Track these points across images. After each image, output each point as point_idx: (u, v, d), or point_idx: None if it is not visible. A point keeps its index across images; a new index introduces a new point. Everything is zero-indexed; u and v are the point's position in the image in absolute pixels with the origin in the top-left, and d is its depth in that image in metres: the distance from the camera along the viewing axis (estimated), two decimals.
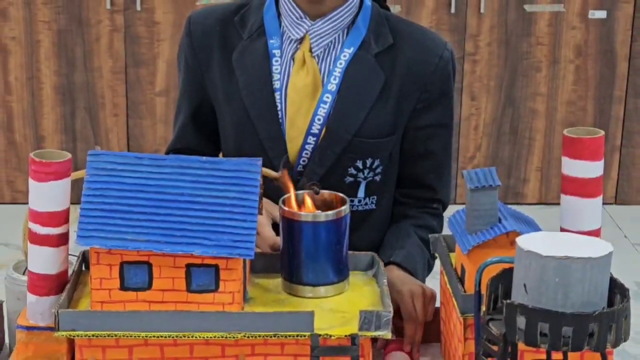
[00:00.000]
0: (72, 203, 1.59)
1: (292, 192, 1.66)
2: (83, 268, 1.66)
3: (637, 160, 4.68)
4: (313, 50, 1.92)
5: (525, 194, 4.69)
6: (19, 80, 4.45)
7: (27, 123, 4.50)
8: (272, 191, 1.73)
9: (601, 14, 4.49)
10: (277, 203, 1.66)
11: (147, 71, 4.46)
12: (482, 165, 4.58)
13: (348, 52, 1.92)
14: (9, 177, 4.56)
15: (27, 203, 1.58)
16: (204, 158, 1.56)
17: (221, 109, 1.98)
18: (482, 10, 4.43)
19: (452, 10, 4.41)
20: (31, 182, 1.56)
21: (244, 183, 1.54)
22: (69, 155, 1.58)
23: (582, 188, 1.64)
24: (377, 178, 1.97)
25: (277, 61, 1.93)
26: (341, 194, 1.68)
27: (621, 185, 4.70)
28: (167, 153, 2.04)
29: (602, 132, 1.65)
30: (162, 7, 4.36)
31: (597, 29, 4.51)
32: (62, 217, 1.58)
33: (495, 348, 1.40)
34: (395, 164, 2.00)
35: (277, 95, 1.92)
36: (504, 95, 4.57)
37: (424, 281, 1.96)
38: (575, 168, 1.64)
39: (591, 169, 1.64)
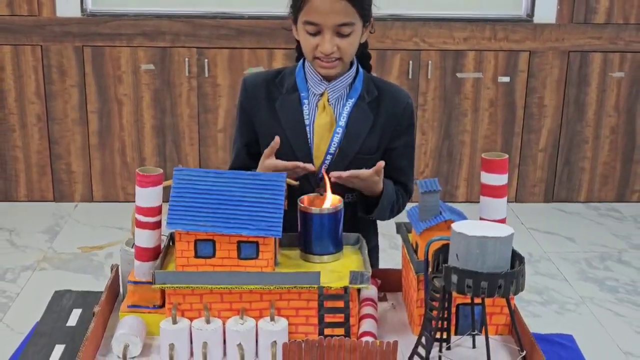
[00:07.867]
0: (163, 201, 1.59)
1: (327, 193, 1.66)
2: (170, 244, 1.66)
3: (529, 175, 4.66)
4: (329, 100, 1.93)
5: (457, 195, 4.68)
6: (129, 122, 4.45)
7: (134, 150, 4.50)
8: (293, 192, 1.73)
9: (506, 79, 4.48)
10: (297, 202, 1.66)
11: (212, 116, 4.46)
12: (429, 176, 4.57)
13: (351, 101, 1.93)
14: (122, 185, 4.57)
15: (134, 201, 1.59)
16: (249, 172, 1.56)
17: (265, 140, 1.97)
18: (429, 77, 4.42)
19: (410, 76, 4.41)
20: (137, 188, 1.57)
21: (274, 188, 1.53)
22: (161, 171, 1.58)
23: (494, 192, 1.64)
24: None
25: (306, 107, 1.92)
26: (338, 196, 1.67)
27: (519, 190, 4.69)
28: (230, 169, 2.03)
29: (507, 156, 1.65)
30: (221, 75, 4.37)
31: (504, 89, 4.50)
32: (157, 211, 1.58)
33: (437, 295, 1.40)
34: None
35: (307, 129, 1.92)
36: (443, 132, 4.56)
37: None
38: (489, 179, 1.64)
39: (499, 179, 1.63)
